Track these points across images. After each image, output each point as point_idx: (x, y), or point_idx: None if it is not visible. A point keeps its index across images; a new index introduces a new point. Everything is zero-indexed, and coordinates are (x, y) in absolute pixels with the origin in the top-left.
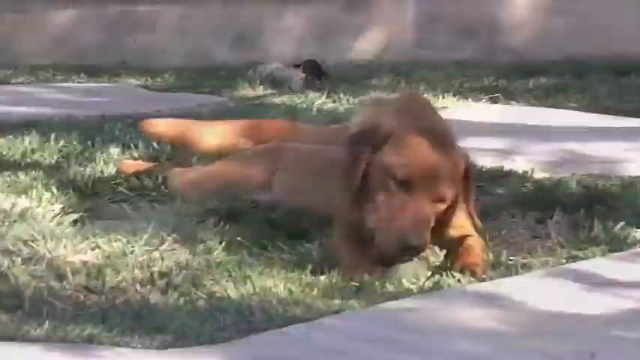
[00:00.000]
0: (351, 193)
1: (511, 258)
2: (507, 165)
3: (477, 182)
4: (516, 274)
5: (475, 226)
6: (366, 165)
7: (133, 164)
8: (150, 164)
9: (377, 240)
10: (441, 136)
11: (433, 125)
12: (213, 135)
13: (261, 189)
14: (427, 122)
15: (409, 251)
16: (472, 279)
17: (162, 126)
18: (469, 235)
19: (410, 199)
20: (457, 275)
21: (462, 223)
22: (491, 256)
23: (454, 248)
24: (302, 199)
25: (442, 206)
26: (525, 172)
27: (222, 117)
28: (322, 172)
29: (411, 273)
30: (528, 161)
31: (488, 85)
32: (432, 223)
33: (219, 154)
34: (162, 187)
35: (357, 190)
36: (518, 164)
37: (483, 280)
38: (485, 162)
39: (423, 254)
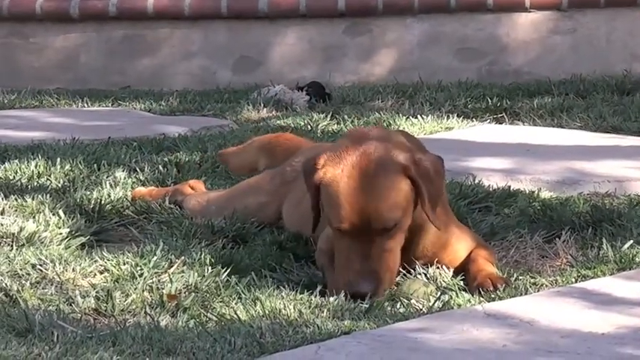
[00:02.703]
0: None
1: (520, 278)
2: (514, 185)
3: (439, 180)
4: (526, 293)
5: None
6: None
7: (145, 191)
8: (163, 189)
9: (327, 283)
10: (380, 158)
11: (370, 149)
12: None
13: (272, 217)
14: (363, 150)
15: (359, 298)
16: (482, 299)
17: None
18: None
19: (353, 245)
20: (467, 295)
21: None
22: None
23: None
24: (305, 226)
25: (399, 228)
26: (532, 192)
27: (226, 139)
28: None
29: (421, 293)
30: (535, 181)
31: (493, 105)
32: (391, 253)
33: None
34: (170, 209)
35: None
36: (524, 184)
37: (493, 299)
38: (492, 182)
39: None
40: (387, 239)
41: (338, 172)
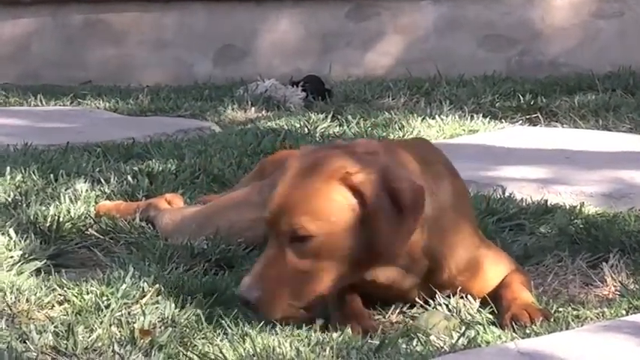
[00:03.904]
0: None
1: (560, 309)
2: (551, 199)
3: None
4: (567, 328)
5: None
6: None
7: (112, 206)
8: (133, 204)
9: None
10: (327, 163)
11: (330, 154)
12: None
13: (262, 236)
14: (321, 154)
15: (248, 307)
16: (515, 335)
17: None
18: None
19: (267, 249)
20: (497, 330)
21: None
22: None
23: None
24: None
25: (314, 243)
26: (573, 207)
27: (207, 145)
28: None
29: (442, 328)
30: (576, 194)
31: (525, 103)
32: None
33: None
34: (142, 228)
35: None
36: (564, 197)
37: (528, 335)
38: (525, 195)
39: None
40: (300, 255)
41: (284, 167)
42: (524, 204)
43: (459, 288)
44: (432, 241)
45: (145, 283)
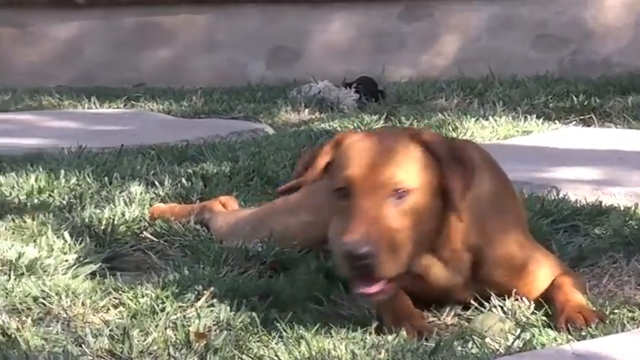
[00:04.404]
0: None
1: (615, 311)
2: (606, 200)
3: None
4: (622, 330)
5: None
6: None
7: (166, 209)
8: (187, 206)
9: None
10: (394, 133)
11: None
12: None
13: (317, 239)
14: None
15: (358, 262)
16: (570, 337)
17: None
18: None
19: (352, 205)
20: (552, 332)
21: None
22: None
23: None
24: None
25: (412, 198)
26: (628, 208)
27: (261, 147)
28: None
29: (497, 330)
30: (631, 194)
31: (579, 104)
32: (410, 223)
33: None
34: (196, 231)
35: None
36: (618, 198)
37: (584, 337)
38: (579, 196)
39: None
40: (396, 208)
41: (354, 138)
42: (578, 205)
43: (506, 287)
44: (470, 234)
45: (200, 286)
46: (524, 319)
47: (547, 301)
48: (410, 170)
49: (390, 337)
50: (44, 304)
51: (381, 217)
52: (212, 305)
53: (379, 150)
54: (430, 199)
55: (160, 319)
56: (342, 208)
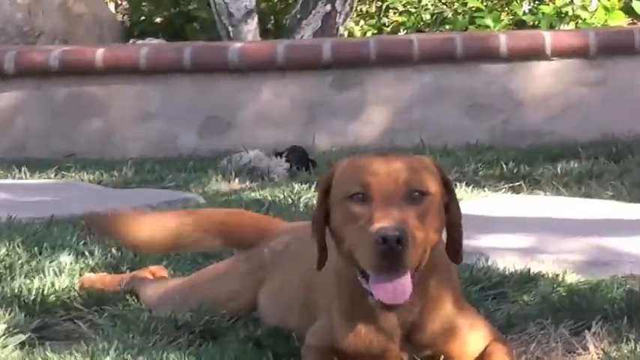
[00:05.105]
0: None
1: None
2: (534, 267)
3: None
4: None
5: (457, 260)
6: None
7: (96, 278)
8: (117, 276)
9: (357, 260)
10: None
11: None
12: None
13: (246, 307)
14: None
15: (392, 249)
16: None
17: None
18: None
19: (373, 204)
20: None
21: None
22: None
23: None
24: (288, 317)
25: (428, 202)
26: (556, 275)
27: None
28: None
29: None
30: (559, 262)
31: (508, 171)
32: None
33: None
34: (126, 300)
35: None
36: (546, 266)
37: None
38: (508, 264)
39: None
40: (414, 208)
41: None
42: (507, 272)
43: (439, 349)
44: (425, 284)
45: (130, 356)
46: None
47: None
48: (427, 176)
49: None
50: None
51: (403, 212)
52: None
53: (395, 157)
54: (441, 212)
55: None
56: (356, 214)
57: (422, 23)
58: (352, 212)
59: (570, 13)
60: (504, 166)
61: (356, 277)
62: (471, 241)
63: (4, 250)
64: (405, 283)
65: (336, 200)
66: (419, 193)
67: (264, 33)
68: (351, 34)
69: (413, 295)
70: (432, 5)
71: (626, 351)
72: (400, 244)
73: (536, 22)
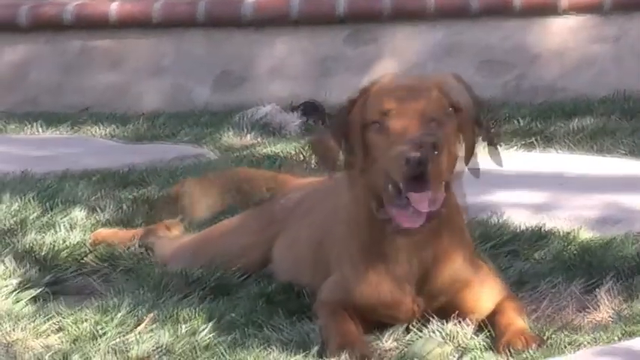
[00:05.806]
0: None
1: (554, 335)
2: (547, 224)
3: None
4: (561, 353)
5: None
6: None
7: (109, 233)
8: (131, 231)
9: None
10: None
11: None
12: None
13: (258, 262)
14: None
15: (419, 165)
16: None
17: None
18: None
19: (395, 128)
20: (492, 355)
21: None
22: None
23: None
24: (300, 273)
25: (449, 126)
26: (568, 233)
27: (204, 171)
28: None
29: (437, 355)
30: (571, 219)
31: (521, 128)
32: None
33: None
34: (140, 255)
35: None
36: (559, 222)
37: None
38: (520, 221)
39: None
40: (439, 129)
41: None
42: (519, 230)
43: (450, 304)
44: (438, 233)
45: (141, 311)
46: (464, 343)
47: (489, 324)
48: (444, 101)
49: None
50: None
51: (425, 132)
52: (153, 330)
53: (414, 83)
54: (469, 127)
55: (101, 344)
56: (378, 139)
57: None
58: (386, 129)
59: None
60: (517, 122)
61: (371, 215)
62: (484, 197)
63: (16, 205)
64: (425, 218)
65: (372, 117)
66: (438, 119)
67: None
68: None
69: (427, 230)
70: None
71: (638, 309)
72: (427, 160)
73: None
